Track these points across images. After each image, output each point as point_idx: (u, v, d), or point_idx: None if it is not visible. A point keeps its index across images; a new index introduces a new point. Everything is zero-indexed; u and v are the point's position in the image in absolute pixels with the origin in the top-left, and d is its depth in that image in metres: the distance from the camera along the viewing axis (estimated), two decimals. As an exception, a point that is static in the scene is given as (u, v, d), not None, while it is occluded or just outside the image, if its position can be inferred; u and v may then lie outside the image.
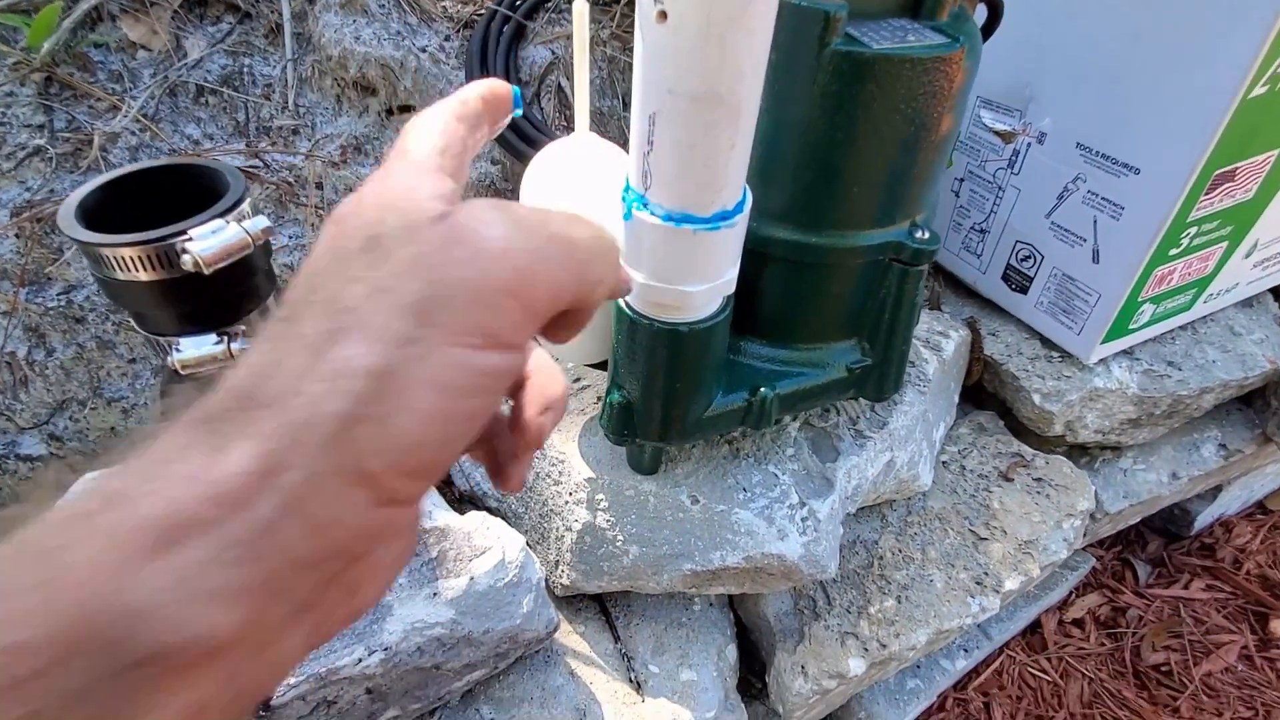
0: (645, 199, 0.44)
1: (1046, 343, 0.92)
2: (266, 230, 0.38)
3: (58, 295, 0.71)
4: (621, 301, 0.52)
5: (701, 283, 0.47)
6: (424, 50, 0.88)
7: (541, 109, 0.92)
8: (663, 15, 0.36)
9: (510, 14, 0.91)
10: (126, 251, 0.35)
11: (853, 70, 0.46)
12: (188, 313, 0.39)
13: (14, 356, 0.71)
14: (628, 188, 0.46)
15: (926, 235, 0.55)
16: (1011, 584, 0.80)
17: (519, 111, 0.31)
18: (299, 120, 0.85)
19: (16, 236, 0.71)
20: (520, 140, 0.87)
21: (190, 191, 0.41)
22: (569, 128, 0.92)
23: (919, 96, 0.48)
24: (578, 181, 0.53)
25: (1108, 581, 1.25)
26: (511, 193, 0.93)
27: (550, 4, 0.95)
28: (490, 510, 0.85)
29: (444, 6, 0.91)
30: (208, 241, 0.36)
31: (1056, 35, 0.77)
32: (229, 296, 0.40)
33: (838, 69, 0.46)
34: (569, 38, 0.92)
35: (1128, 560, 1.29)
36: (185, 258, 0.35)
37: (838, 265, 0.56)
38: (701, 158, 0.41)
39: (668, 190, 0.43)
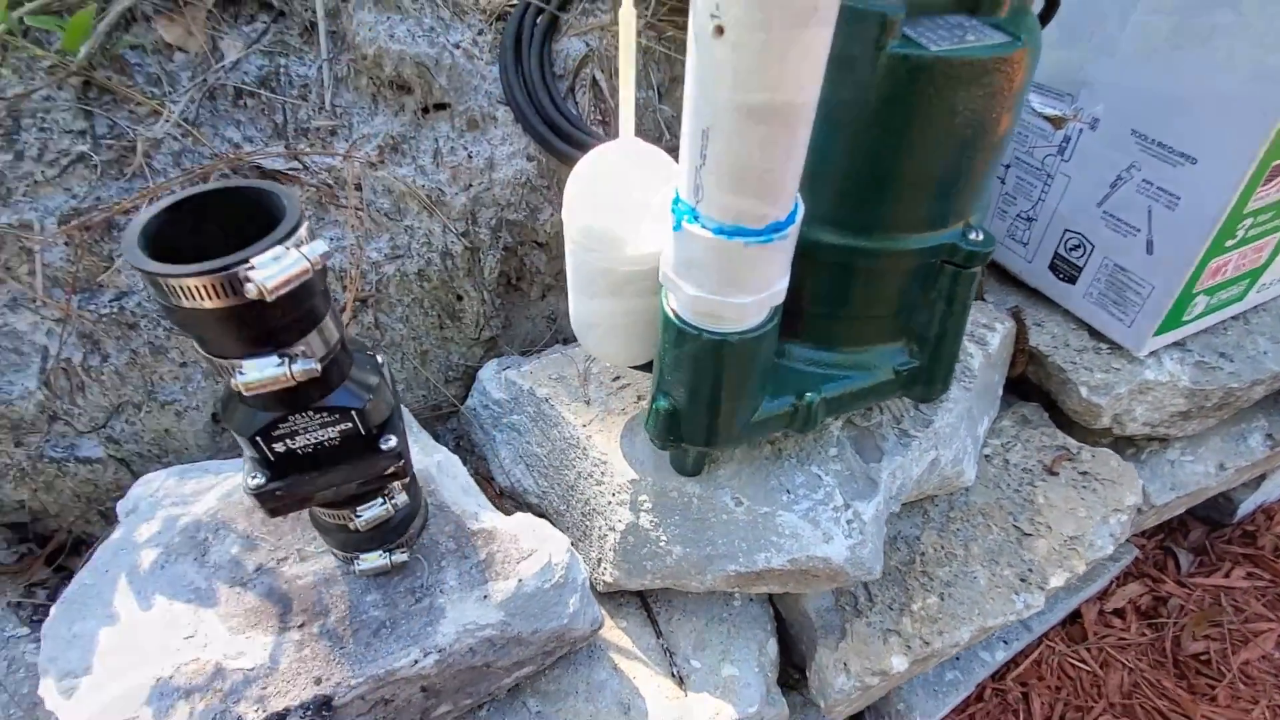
0: (696, 212, 0.43)
1: (1095, 334, 0.89)
2: (324, 255, 0.38)
3: (110, 302, 0.73)
4: (669, 310, 0.51)
5: (752, 294, 0.46)
6: (458, 46, 0.87)
7: (576, 103, 0.90)
8: (719, 30, 0.36)
9: (544, 5, 0.89)
10: (191, 281, 0.35)
11: (910, 73, 0.45)
12: (250, 336, 0.39)
13: (69, 363, 0.73)
14: (677, 199, 0.45)
15: (981, 237, 0.54)
16: (1057, 580, 0.80)
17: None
18: (336, 120, 0.85)
19: (66, 244, 0.72)
20: (555, 136, 0.86)
21: (247, 214, 0.41)
22: (604, 121, 0.90)
23: (978, 98, 0.46)
24: (624, 191, 0.52)
25: (1149, 571, 1.24)
26: (547, 189, 0.92)
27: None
28: (530, 507, 0.87)
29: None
30: (270, 270, 0.36)
31: (1112, 19, 0.74)
32: (290, 319, 0.40)
33: (894, 72, 0.45)
34: (603, 29, 0.90)
35: (1170, 549, 1.27)
36: (249, 286, 0.36)
37: (888, 269, 0.55)
38: (756, 172, 0.40)
39: (720, 204, 0.42)
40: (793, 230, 0.44)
